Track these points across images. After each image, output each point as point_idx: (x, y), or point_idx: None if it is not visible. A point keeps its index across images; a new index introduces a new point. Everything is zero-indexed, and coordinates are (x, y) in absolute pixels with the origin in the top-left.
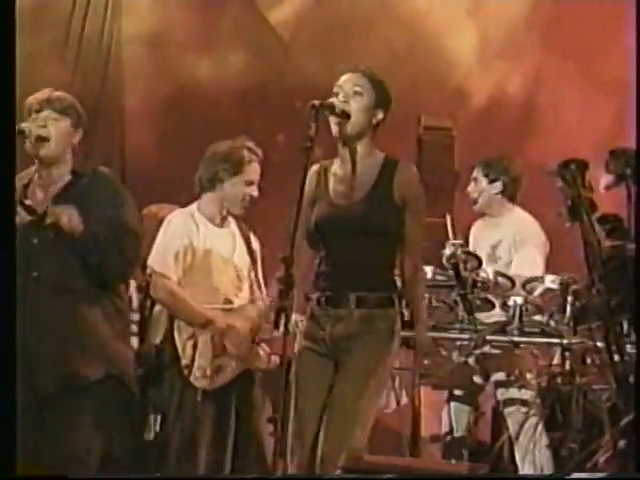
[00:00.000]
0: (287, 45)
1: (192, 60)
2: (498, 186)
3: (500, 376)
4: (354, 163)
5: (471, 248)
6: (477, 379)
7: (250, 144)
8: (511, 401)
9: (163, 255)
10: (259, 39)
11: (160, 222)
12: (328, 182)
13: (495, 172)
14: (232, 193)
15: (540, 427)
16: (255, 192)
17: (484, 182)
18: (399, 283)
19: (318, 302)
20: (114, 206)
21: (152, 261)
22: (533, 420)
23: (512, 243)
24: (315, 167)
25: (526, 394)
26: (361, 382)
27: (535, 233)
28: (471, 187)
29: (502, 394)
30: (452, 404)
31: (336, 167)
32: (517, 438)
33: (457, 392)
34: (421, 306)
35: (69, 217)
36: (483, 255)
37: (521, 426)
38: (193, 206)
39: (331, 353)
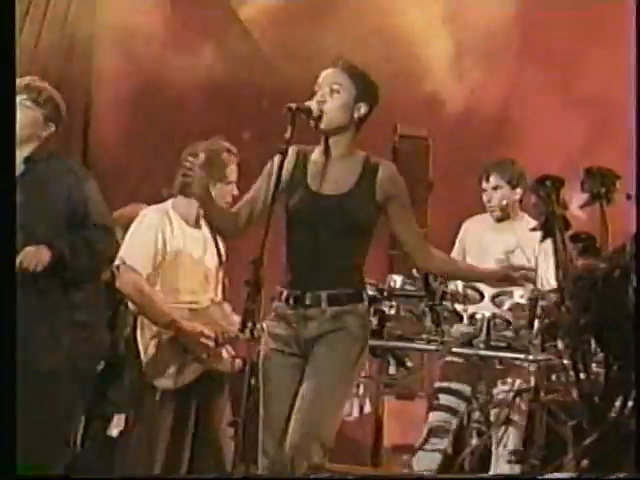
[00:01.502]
0: (256, 42)
1: (160, 54)
2: (519, 192)
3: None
4: (334, 157)
5: (472, 250)
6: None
7: (227, 145)
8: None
9: (135, 248)
10: (228, 35)
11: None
12: (306, 169)
13: (516, 178)
14: (217, 197)
15: (504, 441)
16: (235, 191)
17: (506, 188)
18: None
19: (287, 301)
20: (76, 191)
21: (123, 253)
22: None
23: (532, 254)
24: (293, 151)
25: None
26: (331, 378)
27: (550, 243)
28: (492, 195)
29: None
30: (431, 414)
31: (316, 156)
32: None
33: (442, 401)
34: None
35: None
36: (492, 259)
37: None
38: (168, 203)
39: (301, 353)
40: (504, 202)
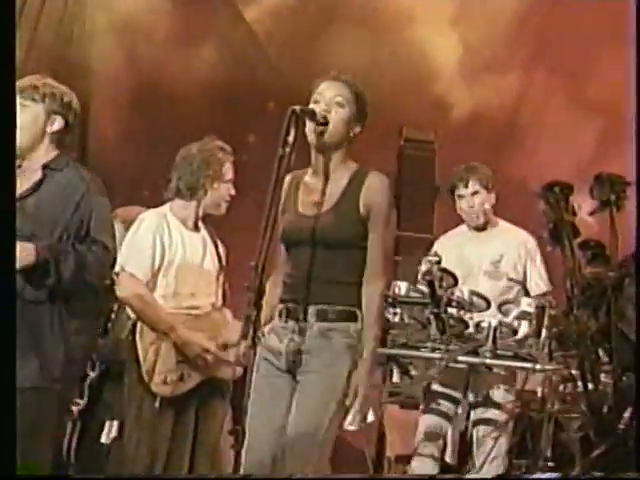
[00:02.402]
0: (261, 43)
1: (161, 53)
2: (493, 196)
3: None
4: (327, 174)
5: (457, 265)
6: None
7: (221, 143)
8: (485, 422)
9: (133, 254)
10: (232, 35)
11: (129, 225)
12: (298, 192)
13: (491, 182)
14: (215, 198)
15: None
16: (233, 190)
17: (484, 193)
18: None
19: (280, 314)
20: (84, 204)
21: (122, 259)
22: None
23: (518, 259)
24: (289, 176)
25: (500, 416)
26: (319, 404)
27: (533, 244)
28: (473, 201)
29: (476, 415)
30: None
31: (308, 177)
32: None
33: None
34: (371, 323)
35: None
36: (482, 272)
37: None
38: (166, 207)
39: (289, 368)
40: (485, 205)
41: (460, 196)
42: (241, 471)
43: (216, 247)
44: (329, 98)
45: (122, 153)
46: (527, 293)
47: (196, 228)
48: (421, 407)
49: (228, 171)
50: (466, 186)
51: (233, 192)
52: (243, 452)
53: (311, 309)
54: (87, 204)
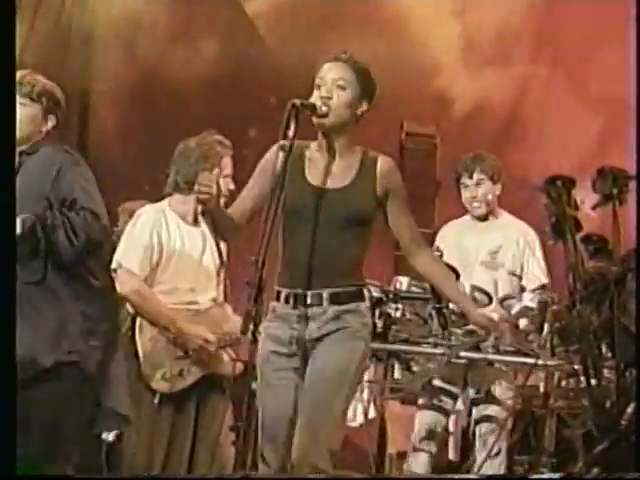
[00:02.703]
0: (263, 37)
1: (162, 48)
2: (499, 187)
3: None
4: (333, 153)
5: (452, 254)
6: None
7: (220, 137)
8: (487, 419)
9: (131, 250)
10: (233, 30)
11: None
12: (303, 163)
13: (497, 173)
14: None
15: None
16: (232, 185)
17: (489, 184)
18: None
19: (286, 300)
20: (65, 172)
21: (119, 255)
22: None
23: (517, 250)
24: (288, 144)
25: (501, 413)
26: (334, 381)
27: (533, 236)
28: (476, 191)
29: (478, 412)
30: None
31: (313, 151)
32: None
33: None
34: (451, 285)
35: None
36: (478, 262)
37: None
38: (164, 202)
39: (301, 354)
40: (489, 196)
41: (464, 185)
42: (260, 468)
43: (217, 242)
44: (330, 82)
45: (122, 148)
46: (523, 287)
47: (196, 223)
48: (419, 402)
49: (227, 165)
50: (470, 177)
51: (232, 187)
52: (260, 446)
53: (325, 293)
54: (66, 174)
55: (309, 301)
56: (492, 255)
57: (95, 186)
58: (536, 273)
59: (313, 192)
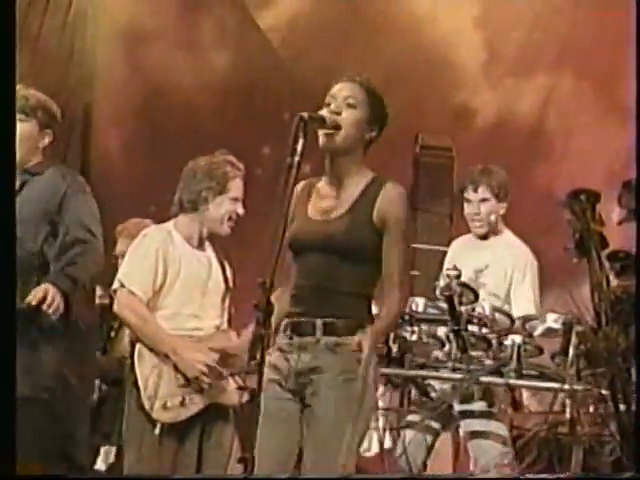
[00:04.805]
0: (276, 51)
1: (169, 61)
2: (504, 205)
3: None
4: (340, 179)
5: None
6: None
7: (231, 158)
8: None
9: (134, 271)
10: (245, 42)
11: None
12: (310, 198)
13: (504, 191)
14: (217, 213)
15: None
16: (241, 209)
17: (494, 201)
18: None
19: (285, 329)
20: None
21: (121, 275)
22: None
23: (503, 274)
24: (301, 184)
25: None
26: (333, 429)
27: (529, 264)
28: (479, 208)
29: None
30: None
31: (321, 184)
32: None
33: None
34: (379, 328)
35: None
36: (466, 279)
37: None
38: (170, 223)
39: (296, 389)
40: (492, 217)
41: (467, 200)
42: None
43: (222, 267)
44: (340, 99)
45: (127, 166)
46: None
47: (201, 246)
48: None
49: (234, 187)
50: (475, 190)
51: (241, 211)
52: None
53: (318, 322)
54: (70, 202)
55: (302, 330)
56: (477, 273)
57: (94, 210)
58: (522, 302)
59: (312, 225)
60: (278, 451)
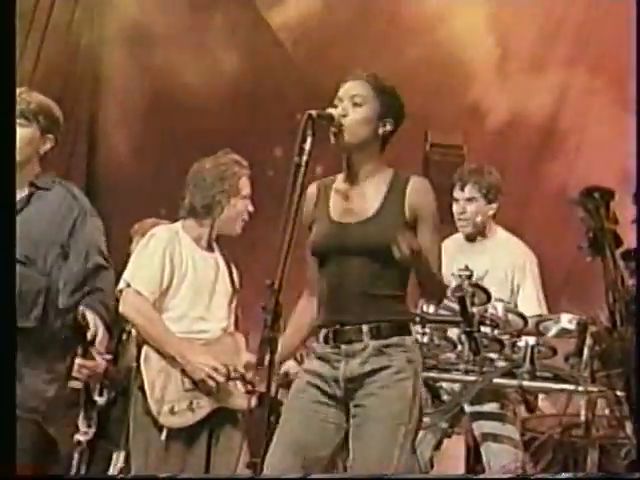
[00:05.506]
0: (288, 51)
1: (177, 61)
2: (494, 207)
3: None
4: (358, 177)
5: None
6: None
7: (236, 157)
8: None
9: (141, 271)
10: (256, 42)
11: None
12: (329, 200)
13: (493, 191)
14: (232, 214)
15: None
16: (251, 207)
17: (482, 202)
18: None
19: (325, 339)
20: (74, 224)
21: (128, 275)
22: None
23: (505, 276)
24: (314, 185)
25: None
26: (386, 431)
27: (528, 260)
28: (465, 207)
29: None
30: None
31: (339, 182)
32: None
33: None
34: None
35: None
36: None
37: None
38: (178, 224)
39: (343, 395)
40: (478, 218)
41: (455, 199)
42: None
43: (229, 270)
44: (347, 99)
45: (135, 169)
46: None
47: (209, 248)
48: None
49: (245, 186)
50: (462, 189)
51: (251, 209)
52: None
53: (364, 328)
54: (83, 225)
55: (348, 337)
56: (477, 281)
57: (102, 235)
58: (527, 302)
59: (336, 229)
60: (295, 442)
